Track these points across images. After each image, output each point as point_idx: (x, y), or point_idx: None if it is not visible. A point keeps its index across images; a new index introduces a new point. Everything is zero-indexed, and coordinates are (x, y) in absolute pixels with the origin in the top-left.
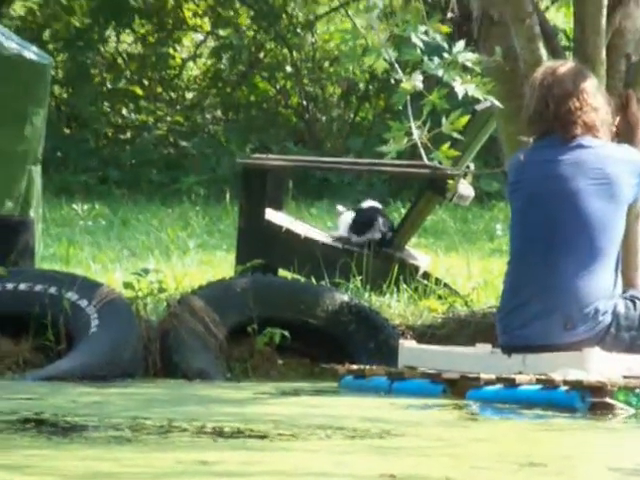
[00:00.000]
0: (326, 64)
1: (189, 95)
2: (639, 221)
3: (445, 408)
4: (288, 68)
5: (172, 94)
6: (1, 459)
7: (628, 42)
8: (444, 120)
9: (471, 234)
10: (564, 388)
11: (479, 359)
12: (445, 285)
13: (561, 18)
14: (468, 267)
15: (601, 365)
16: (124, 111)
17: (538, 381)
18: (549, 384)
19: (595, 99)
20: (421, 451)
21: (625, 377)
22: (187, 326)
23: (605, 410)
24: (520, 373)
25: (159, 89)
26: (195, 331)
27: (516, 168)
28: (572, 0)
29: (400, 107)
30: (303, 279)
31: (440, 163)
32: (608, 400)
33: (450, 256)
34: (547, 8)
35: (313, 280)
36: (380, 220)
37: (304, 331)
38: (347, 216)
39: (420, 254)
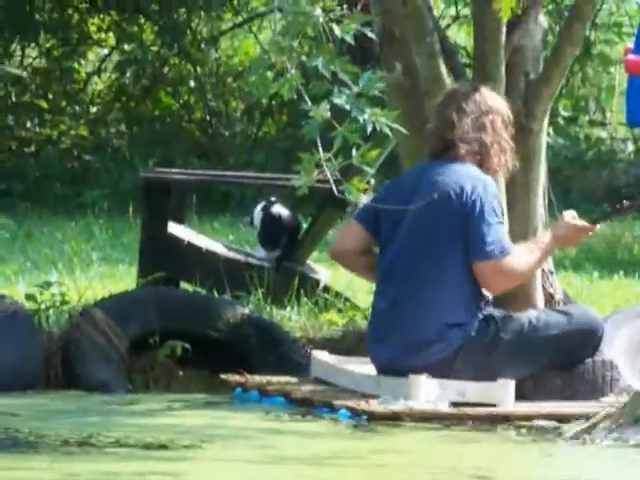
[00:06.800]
0: (229, 79)
1: (93, 109)
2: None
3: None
4: (192, 83)
5: (77, 108)
6: None
7: (527, 60)
8: (354, 152)
9: None
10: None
11: (359, 379)
12: (345, 299)
13: (462, 36)
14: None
15: (428, 391)
16: (28, 124)
17: (346, 408)
18: (354, 411)
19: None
20: (337, 462)
21: (454, 404)
22: (89, 338)
23: None
24: (373, 396)
25: (64, 103)
26: (97, 343)
27: None
28: (472, 18)
29: (312, 137)
30: (205, 292)
31: (350, 195)
32: None
33: None
34: (448, 26)
35: (215, 293)
36: (284, 236)
37: (206, 343)
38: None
39: (321, 268)
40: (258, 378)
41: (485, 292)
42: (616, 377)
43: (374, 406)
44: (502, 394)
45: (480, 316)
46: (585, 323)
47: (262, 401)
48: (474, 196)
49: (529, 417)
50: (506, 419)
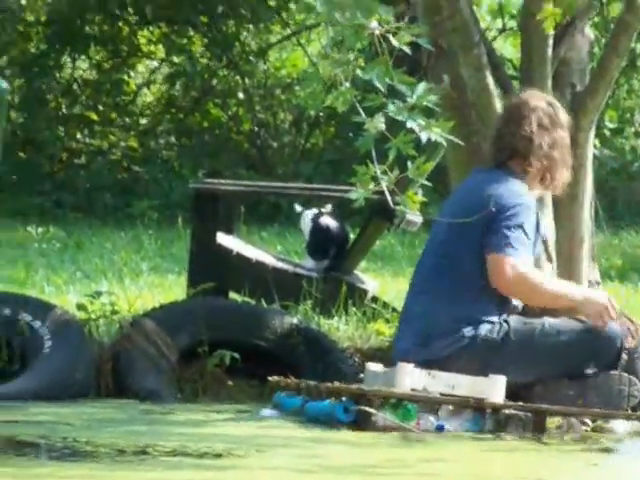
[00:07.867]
0: (278, 91)
1: (143, 121)
2: (583, 246)
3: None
4: (240, 95)
5: (126, 119)
6: None
7: (573, 72)
8: (409, 165)
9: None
10: (331, 400)
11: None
12: (393, 309)
13: (509, 48)
14: None
15: (415, 380)
16: (79, 136)
17: (326, 388)
18: (331, 391)
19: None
20: (384, 471)
21: (443, 394)
22: (139, 348)
23: (368, 420)
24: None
25: (113, 114)
26: (147, 353)
27: None
28: (519, 31)
29: (366, 149)
30: (253, 302)
31: (406, 207)
32: (367, 409)
33: (398, 281)
34: (495, 38)
35: (263, 303)
36: (333, 246)
37: (254, 353)
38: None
39: (368, 278)
40: (303, 382)
41: (512, 299)
42: (634, 394)
43: (350, 386)
44: (492, 389)
45: (495, 319)
46: (599, 332)
47: (285, 402)
48: (511, 208)
49: (502, 407)
50: (479, 407)
